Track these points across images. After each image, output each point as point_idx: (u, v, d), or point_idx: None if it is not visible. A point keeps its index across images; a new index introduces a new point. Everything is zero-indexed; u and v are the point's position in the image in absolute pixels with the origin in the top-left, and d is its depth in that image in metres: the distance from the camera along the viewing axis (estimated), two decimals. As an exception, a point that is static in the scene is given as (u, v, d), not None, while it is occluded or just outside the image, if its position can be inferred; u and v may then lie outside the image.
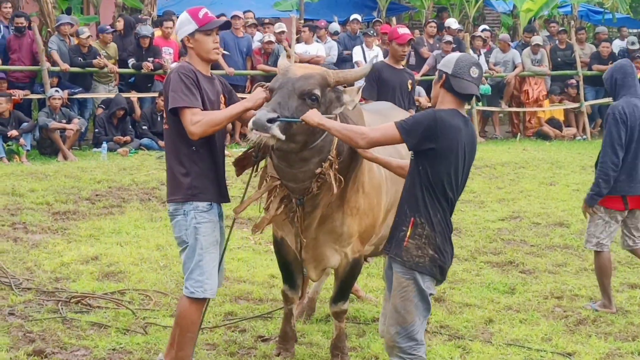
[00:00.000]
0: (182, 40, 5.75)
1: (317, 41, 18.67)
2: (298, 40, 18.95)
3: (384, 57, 18.55)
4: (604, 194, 7.60)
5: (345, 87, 5.68)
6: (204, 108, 5.55)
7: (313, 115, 5.29)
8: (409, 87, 9.22)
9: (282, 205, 5.80)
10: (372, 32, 18.83)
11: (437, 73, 5.33)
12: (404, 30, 9.31)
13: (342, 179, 5.66)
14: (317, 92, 5.44)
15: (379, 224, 6.21)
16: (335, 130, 5.29)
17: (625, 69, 7.66)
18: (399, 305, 5.24)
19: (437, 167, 5.12)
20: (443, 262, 5.19)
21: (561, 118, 20.25)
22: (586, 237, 7.96)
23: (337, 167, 5.62)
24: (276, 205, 5.80)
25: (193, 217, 5.61)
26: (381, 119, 6.51)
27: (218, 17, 5.95)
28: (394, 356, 5.30)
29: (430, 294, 5.28)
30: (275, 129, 5.18)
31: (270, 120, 5.17)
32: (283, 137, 5.23)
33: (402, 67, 9.34)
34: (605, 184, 7.57)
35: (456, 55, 5.32)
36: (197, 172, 5.61)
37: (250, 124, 5.22)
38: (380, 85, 9.03)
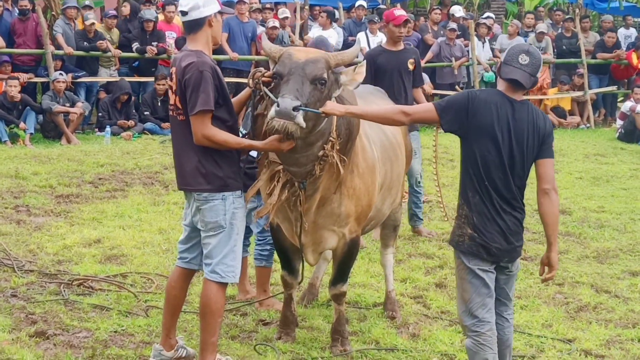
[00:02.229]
0: (199, 19, 5.55)
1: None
2: (302, 27, 18.90)
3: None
4: None
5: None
6: (224, 97, 5.54)
7: (337, 107, 5.43)
8: (410, 66, 9.23)
9: (285, 191, 5.80)
10: (376, 18, 18.78)
11: None
12: (399, 12, 9.41)
13: (346, 158, 5.70)
14: (326, 75, 5.48)
15: (374, 203, 6.25)
16: (371, 116, 5.47)
17: (326, 42, 8.44)
18: (458, 284, 5.39)
19: (473, 146, 5.17)
20: (485, 241, 5.18)
21: (567, 107, 20.14)
22: None
23: (338, 147, 5.65)
24: (279, 190, 5.79)
25: (232, 202, 5.59)
26: (360, 101, 6.51)
27: (224, 3, 5.95)
28: (466, 336, 5.39)
29: (485, 270, 5.24)
30: (300, 117, 5.20)
31: (295, 109, 5.17)
32: (304, 125, 5.25)
33: (402, 48, 9.37)
34: None
35: (513, 44, 5.40)
36: (228, 162, 5.59)
37: (272, 112, 5.20)
38: (376, 71, 9.08)
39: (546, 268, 5.44)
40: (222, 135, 5.47)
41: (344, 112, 5.43)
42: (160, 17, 17.65)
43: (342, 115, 5.48)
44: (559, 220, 5.53)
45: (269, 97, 5.44)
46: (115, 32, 17.30)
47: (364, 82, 9.03)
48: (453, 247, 5.36)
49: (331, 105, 5.43)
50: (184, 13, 5.62)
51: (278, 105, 5.18)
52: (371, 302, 7.50)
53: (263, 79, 5.60)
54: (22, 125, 14.70)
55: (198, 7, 5.56)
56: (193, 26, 5.61)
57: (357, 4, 20.20)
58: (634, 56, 19.87)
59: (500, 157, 5.15)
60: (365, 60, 5.87)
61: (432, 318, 7.18)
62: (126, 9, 17.85)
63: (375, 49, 9.59)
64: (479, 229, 5.19)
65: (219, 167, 5.55)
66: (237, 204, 5.63)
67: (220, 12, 5.66)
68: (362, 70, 5.72)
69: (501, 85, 5.27)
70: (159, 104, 16.37)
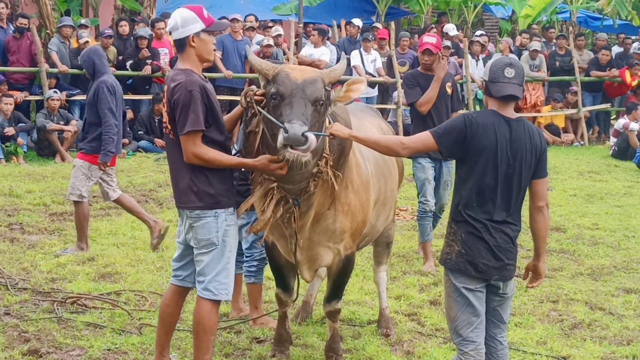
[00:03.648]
0: (180, 39, 5.57)
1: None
2: (297, 44, 18.93)
3: (381, 62, 18.64)
4: (114, 151, 9.17)
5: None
6: (214, 116, 5.52)
7: (342, 128, 5.45)
8: (448, 90, 9.25)
9: (279, 208, 5.77)
10: (370, 37, 18.83)
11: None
12: (426, 39, 9.39)
13: (340, 174, 5.70)
14: (324, 96, 5.45)
15: (369, 219, 6.23)
16: (372, 142, 5.46)
17: (99, 52, 9.43)
18: (445, 301, 5.43)
19: (469, 168, 5.19)
20: (472, 257, 5.18)
21: (561, 125, 20.17)
22: (70, 190, 9.30)
23: (331, 163, 5.63)
24: (272, 207, 5.76)
25: (224, 220, 5.57)
26: (353, 118, 6.50)
27: (220, 18, 5.92)
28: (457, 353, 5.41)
29: (470, 289, 5.23)
30: (308, 143, 5.15)
31: (303, 134, 5.11)
32: (313, 148, 5.24)
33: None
34: (113, 141, 9.10)
35: (492, 61, 5.43)
36: (220, 180, 5.57)
37: (281, 139, 5.15)
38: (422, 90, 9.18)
39: (530, 274, 5.63)
40: (212, 154, 5.47)
41: (347, 135, 5.44)
42: (150, 34, 17.66)
43: (345, 138, 5.49)
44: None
45: (271, 120, 5.33)
46: (112, 51, 17.29)
47: (415, 100, 9.11)
48: (442, 264, 5.37)
49: (337, 127, 5.44)
50: (170, 33, 5.68)
51: (286, 131, 5.12)
52: (365, 319, 7.49)
53: (255, 97, 5.57)
54: (19, 140, 14.73)
55: (177, 27, 5.58)
56: (178, 46, 5.65)
57: (348, 22, 20.24)
58: (627, 74, 19.93)
59: (495, 179, 5.16)
60: (363, 77, 5.85)
61: (427, 335, 7.17)
62: (126, 29, 17.80)
63: (414, 71, 9.63)
64: (467, 245, 5.20)
65: (210, 184, 5.54)
66: (230, 222, 5.62)
67: (206, 31, 5.61)
68: (358, 87, 5.67)
69: (493, 104, 5.25)
70: (156, 123, 16.35)
